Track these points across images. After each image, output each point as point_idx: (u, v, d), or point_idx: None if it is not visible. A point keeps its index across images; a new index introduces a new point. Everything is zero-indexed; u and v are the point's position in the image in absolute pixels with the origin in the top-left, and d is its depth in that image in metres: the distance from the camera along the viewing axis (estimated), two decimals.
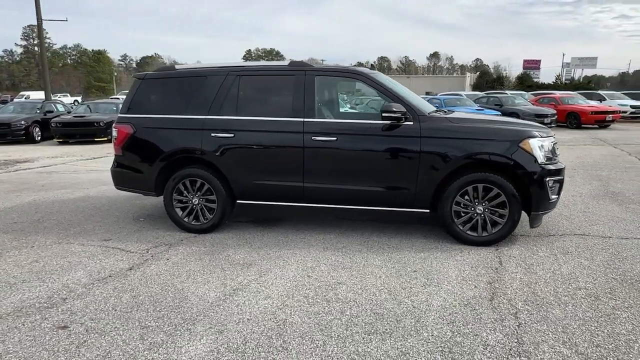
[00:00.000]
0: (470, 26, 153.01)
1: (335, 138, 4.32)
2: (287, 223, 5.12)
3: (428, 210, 4.35)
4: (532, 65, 68.16)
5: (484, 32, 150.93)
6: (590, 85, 48.98)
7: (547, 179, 4.11)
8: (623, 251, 4.11)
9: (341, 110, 5.13)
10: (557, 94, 21.30)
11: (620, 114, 18.71)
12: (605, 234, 4.61)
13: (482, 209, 4.21)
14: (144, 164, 4.82)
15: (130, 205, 6.10)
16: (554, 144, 4.29)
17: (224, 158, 4.55)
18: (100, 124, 13.80)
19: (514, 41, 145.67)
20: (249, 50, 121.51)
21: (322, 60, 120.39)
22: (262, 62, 4.78)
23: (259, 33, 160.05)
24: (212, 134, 4.56)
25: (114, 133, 4.93)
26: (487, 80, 62.73)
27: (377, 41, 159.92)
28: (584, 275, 3.58)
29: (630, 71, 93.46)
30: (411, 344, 2.66)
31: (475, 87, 60.50)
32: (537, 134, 4.18)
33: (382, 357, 2.53)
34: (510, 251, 4.14)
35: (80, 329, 2.89)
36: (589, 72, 71.60)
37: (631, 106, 21.78)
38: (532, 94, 24.01)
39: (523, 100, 18.34)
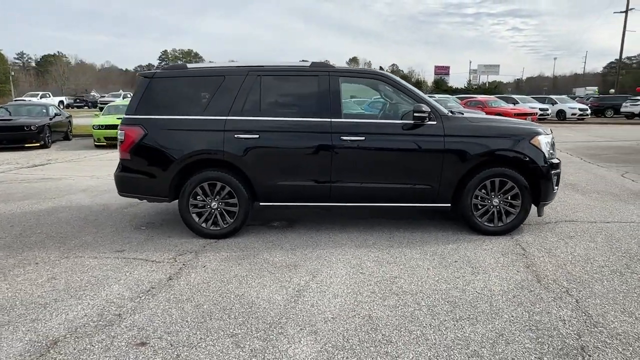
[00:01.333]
0: (386, 33, 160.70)
1: (363, 137, 4.43)
2: (301, 224, 5.11)
3: (449, 205, 4.62)
4: (442, 71, 73.25)
5: (398, 39, 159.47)
6: (497, 90, 54.08)
7: (552, 171, 4.58)
8: (613, 233, 4.70)
9: (363, 110, 5.22)
10: (481, 97, 23.30)
11: (537, 116, 20.94)
12: (589, 219, 5.23)
13: (497, 201, 4.58)
14: (158, 167, 4.53)
15: (120, 214, 5.67)
16: (553, 141, 4.79)
17: (248, 160, 4.44)
18: (32, 127, 12.43)
19: (425, 48, 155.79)
20: (165, 51, 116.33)
21: None
22: (281, 63, 4.73)
23: (176, 33, 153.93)
24: (236, 135, 4.43)
25: (120, 136, 4.57)
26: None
27: (298, 45, 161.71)
28: (598, 255, 4.06)
29: (524, 78, 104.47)
30: (500, 325, 2.86)
31: None
32: (542, 131, 4.64)
33: (482, 340, 2.70)
34: (525, 239, 4.55)
35: (162, 343, 2.70)
36: (492, 78, 78.76)
37: (540, 109, 24.57)
38: (457, 97, 25.93)
39: (455, 103, 19.78)
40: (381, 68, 5.75)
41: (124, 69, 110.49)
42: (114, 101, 38.61)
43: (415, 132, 4.47)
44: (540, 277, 3.60)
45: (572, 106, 26.55)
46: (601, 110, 29.65)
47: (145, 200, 5.12)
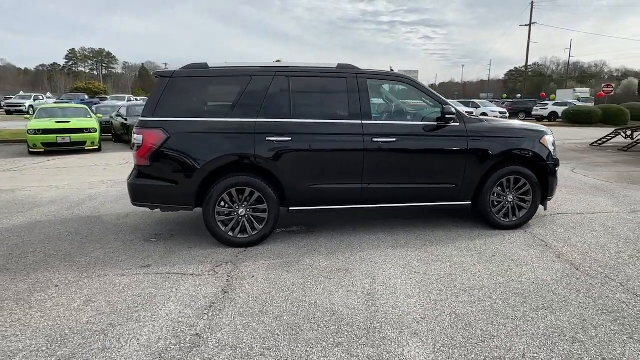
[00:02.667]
0: (306, 37, 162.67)
1: (395, 139, 4.49)
2: (321, 228, 5.04)
3: (470, 203, 4.84)
4: None
5: (319, 43, 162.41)
6: None
7: (557, 168, 4.99)
8: (604, 222, 5.24)
9: (391, 111, 5.26)
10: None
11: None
12: (576, 211, 5.77)
13: (512, 197, 4.89)
14: (182, 174, 4.21)
15: (116, 226, 5.16)
16: (554, 140, 5.22)
17: (280, 163, 4.30)
18: None
19: (345, 53, 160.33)
20: (73, 49, 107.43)
21: (165, 65, 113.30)
22: (307, 63, 4.63)
23: (84, 31, 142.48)
24: (267, 138, 4.26)
25: (137, 140, 4.18)
26: None
27: (219, 46, 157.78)
28: (608, 243, 4.50)
29: (437, 83, 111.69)
30: (577, 312, 3.07)
31: None
32: (548, 131, 5.04)
33: (571, 326, 2.88)
34: (536, 231, 4.90)
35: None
36: None
37: (500, 112, 26.99)
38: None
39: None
40: (391, 69, 5.79)
41: (22, 68, 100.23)
42: (23, 104, 34.98)
43: (441, 133, 4.63)
44: (575, 265, 3.91)
45: (493, 109, 28.98)
46: (515, 113, 32.70)
47: (154, 210, 4.72)
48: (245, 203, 4.35)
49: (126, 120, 13.84)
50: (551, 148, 4.95)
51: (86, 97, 36.67)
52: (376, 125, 4.49)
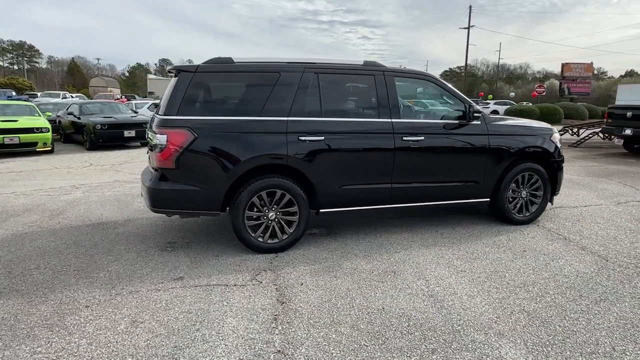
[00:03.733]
0: (247, 34, 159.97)
1: (423, 137, 4.46)
2: (342, 229, 4.91)
3: (489, 199, 4.93)
4: None
5: (260, 41, 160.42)
6: None
7: (562, 164, 5.23)
8: (601, 214, 5.57)
9: (415, 110, 5.19)
10: None
11: None
12: (571, 205, 6.09)
13: (525, 193, 5.05)
14: (210, 177, 3.90)
15: (119, 236, 4.70)
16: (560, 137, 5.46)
17: (313, 164, 4.12)
18: None
19: (285, 52, 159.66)
20: None
21: (98, 60, 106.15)
22: (333, 59, 4.46)
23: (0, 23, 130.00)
24: (300, 138, 4.06)
25: (161, 141, 3.81)
26: None
27: (156, 42, 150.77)
28: (617, 233, 4.78)
29: None
30: (633, 302, 3.20)
31: None
32: (555, 129, 5.26)
33: (635, 316, 2.99)
34: (547, 225, 5.10)
35: None
36: None
37: None
38: None
39: None
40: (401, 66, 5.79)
41: None
42: None
43: (465, 131, 4.67)
44: (603, 257, 4.10)
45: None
46: None
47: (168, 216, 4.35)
48: (275, 206, 4.12)
49: (79, 118, 12.80)
50: (559, 145, 5.17)
51: (14, 93, 33.51)
52: (405, 123, 4.44)
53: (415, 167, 4.50)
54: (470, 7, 47.42)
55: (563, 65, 38.27)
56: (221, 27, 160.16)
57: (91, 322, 2.91)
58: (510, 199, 5.01)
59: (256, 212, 4.07)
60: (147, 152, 4.68)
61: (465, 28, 48.39)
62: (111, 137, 12.04)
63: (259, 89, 4.09)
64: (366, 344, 2.67)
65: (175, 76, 4.19)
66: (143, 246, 4.36)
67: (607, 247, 4.34)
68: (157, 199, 3.94)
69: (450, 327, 2.85)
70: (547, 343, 2.68)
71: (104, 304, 3.15)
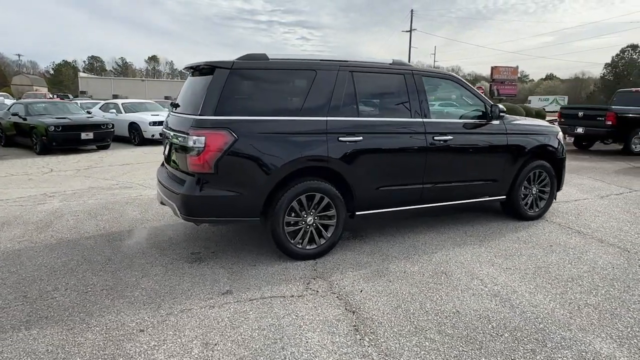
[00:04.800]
0: (183, 32, 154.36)
1: (452, 137, 4.48)
2: (367, 232, 4.81)
3: (505, 196, 5.07)
4: None
5: (197, 39, 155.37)
6: None
7: (565, 162, 5.50)
8: (595, 207, 5.92)
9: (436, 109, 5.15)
10: None
11: None
12: (564, 200, 6.42)
13: (535, 190, 5.25)
14: (250, 181, 3.65)
15: (131, 247, 4.27)
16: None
17: (351, 165, 3.98)
18: None
19: (224, 51, 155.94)
20: None
21: (19, 56, 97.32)
22: (363, 58, 4.34)
23: None
24: (340, 138, 3.91)
25: (197, 143, 3.49)
26: None
27: (83, 39, 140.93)
28: (620, 225, 5.09)
29: None
30: None
31: None
32: (558, 128, 5.51)
33: None
34: (556, 220, 5.33)
35: None
36: None
37: None
38: None
39: None
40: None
41: None
42: None
43: (486, 130, 4.75)
44: (624, 248, 4.34)
45: None
46: None
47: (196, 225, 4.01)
48: (313, 210, 3.94)
49: (25, 120, 11.61)
50: (563, 143, 5.42)
51: None
52: (435, 123, 4.43)
53: (443, 167, 4.51)
54: (412, 10, 49.18)
55: (492, 68, 40.72)
56: (154, 24, 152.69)
57: (157, 348, 2.58)
58: (523, 196, 5.18)
59: (294, 217, 3.87)
60: (165, 154, 4.30)
61: (407, 31, 50.12)
62: (66, 140, 11.03)
63: (296, 87, 3.90)
64: (464, 349, 2.60)
65: (202, 74, 3.91)
66: (165, 259, 3.99)
67: (620, 239, 4.61)
68: (195, 207, 3.61)
69: (533, 326, 2.86)
70: (630, 335, 2.76)
71: (160, 327, 2.82)
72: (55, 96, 35.19)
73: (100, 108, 14.71)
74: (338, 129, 3.93)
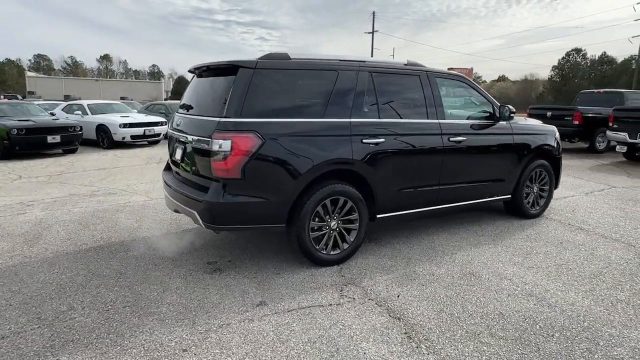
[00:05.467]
0: (138, 31, 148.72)
1: (465, 138, 4.50)
2: (379, 235, 4.76)
3: (510, 195, 5.16)
4: None
5: (153, 38, 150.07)
6: None
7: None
8: (583, 204, 6.16)
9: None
10: None
11: None
12: (556, 197, 6.62)
13: (537, 188, 5.39)
14: (278, 186, 3.49)
15: (139, 258, 4.01)
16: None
17: (374, 167, 3.91)
18: None
19: (181, 50, 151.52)
20: None
21: None
22: (377, 59, 4.27)
23: None
24: (364, 141, 3.83)
25: (223, 147, 3.30)
26: (185, 86, 63.94)
27: (27, 36, 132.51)
28: (616, 220, 5.30)
29: None
30: None
31: (174, 93, 60.74)
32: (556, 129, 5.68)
33: None
34: (555, 217, 5.49)
35: None
36: None
37: None
38: None
39: None
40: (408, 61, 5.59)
41: None
42: None
43: (494, 131, 4.82)
44: (628, 243, 4.52)
45: None
46: None
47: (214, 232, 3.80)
48: (337, 215, 3.84)
49: None
50: (560, 143, 5.60)
51: None
52: (450, 124, 4.44)
53: (458, 168, 4.53)
54: (374, 13, 49.93)
55: (449, 69, 41.75)
56: (105, 21, 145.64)
57: None
58: (525, 195, 5.30)
59: (318, 222, 3.75)
60: (175, 157, 4.07)
61: (369, 33, 50.80)
62: (31, 144, 10.29)
63: (319, 88, 3.77)
64: (523, 351, 2.59)
65: (220, 73, 3.73)
66: (181, 270, 3.76)
67: (621, 234, 4.80)
68: (220, 215, 3.41)
69: (578, 325, 2.89)
70: None
71: (203, 345, 2.63)
72: (2, 97, 32.96)
73: (63, 109, 13.86)
74: (361, 130, 3.84)
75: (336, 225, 3.85)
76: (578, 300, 3.24)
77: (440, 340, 2.71)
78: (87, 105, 13.39)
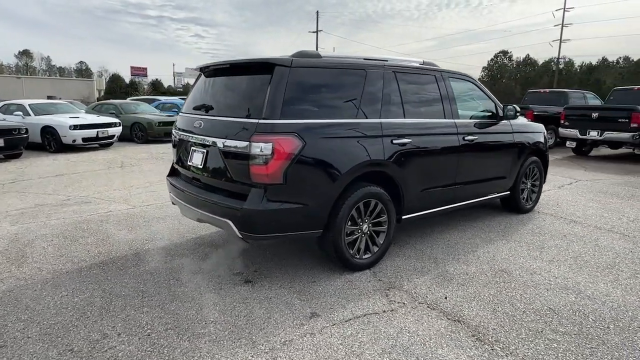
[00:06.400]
0: (59, 25, 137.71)
1: (476, 137, 4.59)
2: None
3: (509, 192, 5.35)
4: (140, 72, 69.66)
5: (78, 33, 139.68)
6: None
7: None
8: (563, 197, 6.54)
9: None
10: None
11: None
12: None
13: (530, 184, 5.64)
14: (317, 190, 3.34)
15: (154, 273, 3.67)
16: None
17: (402, 168, 3.87)
18: None
19: (111, 47, 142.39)
20: None
21: None
22: (398, 59, 4.21)
23: None
24: (394, 141, 3.77)
25: (264, 150, 3.08)
26: (120, 85, 60.59)
27: None
28: (599, 212, 5.68)
29: None
30: None
31: (107, 92, 57.25)
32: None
33: None
34: (545, 211, 5.78)
35: None
36: None
37: None
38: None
39: (149, 107, 16.06)
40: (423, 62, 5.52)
41: None
42: None
43: (498, 130, 4.96)
44: (622, 234, 4.84)
45: None
46: None
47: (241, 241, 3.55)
48: (368, 217, 3.75)
49: None
50: (547, 139, 5.89)
51: None
52: (463, 123, 4.50)
53: (470, 166, 4.60)
54: (317, 12, 50.18)
55: None
56: (23, 14, 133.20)
57: None
58: (521, 191, 5.52)
59: (351, 225, 3.64)
60: (187, 163, 3.77)
61: (313, 32, 51.02)
62: None
63: (351, 88, 3.65)
64: (590, 345, 2.66)
65: (248, 72, 3.49)
66: (210, 284, 3.48)
67: (611, 225, 5.14)
68: (261, 223, 3.18)
69: (625, 315, 3.02)
70: None
71: None
72: None
73: None
74: (391, 130, 3.78)
75: (367, 228, 3.76)
76: (610, 290, 3.40)
77: (509, 340, 2.71)
78: (29, 105, 12.15)
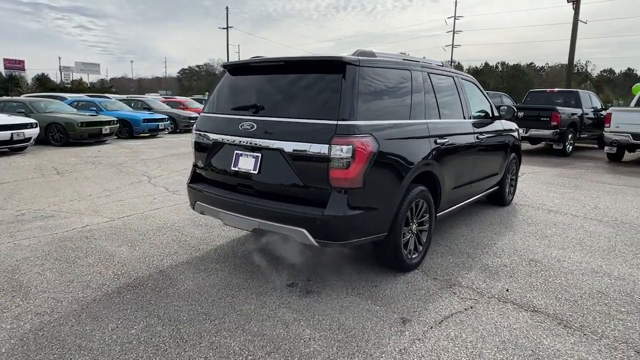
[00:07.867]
0: None
1: (485, 136, 4.86)
2: None
3: (498, 187, 5.75)
4: (16, 65, 62.25)
5: None
6: (112, 90, 52.26)
7: None
8: (528, 189, 7.21)
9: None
10: (181, 98, 22.84)
11: None
12: None
13: (510, 178, 6.13)
14: (387, 193, 3.27)
15: (199, 290, 3.30)
16: None
17: (442, 168, 3.96)
18: None
19: None
20: None
21: None
22: (421, 59, 4.25)
23: None
24: (438, 141, 3.84)
25: (344, 152, 2.93)
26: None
27: None
28: (569, 202, 6.37)
29: (108, 78, 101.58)
30: None
31: None
32: None
33: None
34: (521, 202, 6.32)
35: None
36: (94, 77, 74.73)
37: None
38: (119, 98, 23.88)
39: (63, 105, 14.30)
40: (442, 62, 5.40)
41: None
42: None
43: (496, 128, 5.30)
44: (597, 220, 5.48)
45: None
46: None
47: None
48: (416, 217, 3.78)
49: None
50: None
51: None
52: (476, 123, 4.74)
53: (481, 164, 4.87)
54: (227, 8, 48.82)
55: None
56: None
57: None
58: (505, 185, 5.97)
59: (404, 226, 3.64)
60: (235, 167, 3.44)
61: (223, 28, 49.52)
62: None
63: (403, 88, 3.63)
64: None
65: (306, 70, 3.30)
66: (269, 298, 3.23)
67: (583, 212, 5.79)
68: (343, 230, 3.02)
69: None
70: None
71: None
72: None
73: None
74: (435, 131, 3.85)
75: (415, 228, 3.78)
76: (629, 272, 3.83)
77: (591, 325, 2.92)
78: None
